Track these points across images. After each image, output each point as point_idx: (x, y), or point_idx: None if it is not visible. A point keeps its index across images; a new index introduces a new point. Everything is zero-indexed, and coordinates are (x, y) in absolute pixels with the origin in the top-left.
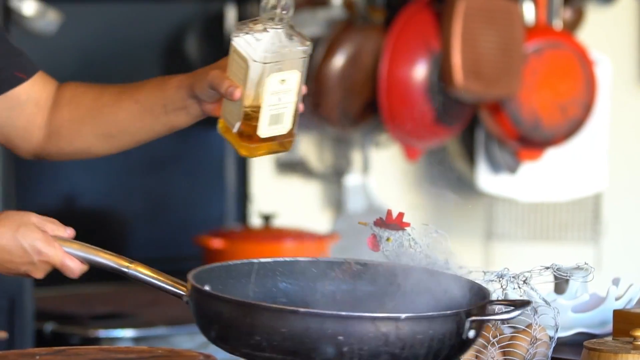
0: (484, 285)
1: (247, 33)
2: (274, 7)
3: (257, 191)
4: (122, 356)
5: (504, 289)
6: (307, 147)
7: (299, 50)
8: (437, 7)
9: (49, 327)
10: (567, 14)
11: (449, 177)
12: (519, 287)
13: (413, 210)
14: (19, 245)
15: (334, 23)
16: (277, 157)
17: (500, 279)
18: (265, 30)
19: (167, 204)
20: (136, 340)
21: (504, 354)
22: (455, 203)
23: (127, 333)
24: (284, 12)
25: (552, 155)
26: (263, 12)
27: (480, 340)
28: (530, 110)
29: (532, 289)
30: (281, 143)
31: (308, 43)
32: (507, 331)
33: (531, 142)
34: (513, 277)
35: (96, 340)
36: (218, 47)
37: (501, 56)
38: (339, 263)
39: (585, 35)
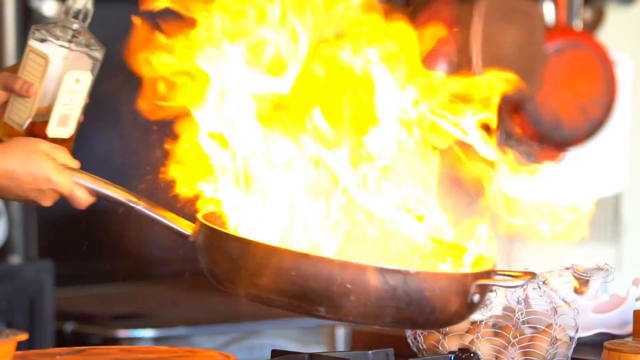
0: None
1: (46, 35)
2: (76, 14)
3: None
4: (142, 356)
5: (524, 289)
6: None
7: (93, 54)
8: (458, 7)
9: (69, 327)
10: (588, 14)
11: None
12: (539, 287)
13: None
14: (28, 172)
15: None
16: None
17: None
18: (64, 31)
19: None
20: (156, 340)
21: (525, 354)
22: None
23: (148, 333)
24: (82, 17)
25: (572, 155)
26: (64, 16)
27: (501, 341)
28: (551, 110)
29: (552, 289)
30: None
31: (102, 49)
32: (528, 331)
33: (551, 142)
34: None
35: (116, 340)
36: None
37: (521, 56)
38: None
39: (606, 35)
